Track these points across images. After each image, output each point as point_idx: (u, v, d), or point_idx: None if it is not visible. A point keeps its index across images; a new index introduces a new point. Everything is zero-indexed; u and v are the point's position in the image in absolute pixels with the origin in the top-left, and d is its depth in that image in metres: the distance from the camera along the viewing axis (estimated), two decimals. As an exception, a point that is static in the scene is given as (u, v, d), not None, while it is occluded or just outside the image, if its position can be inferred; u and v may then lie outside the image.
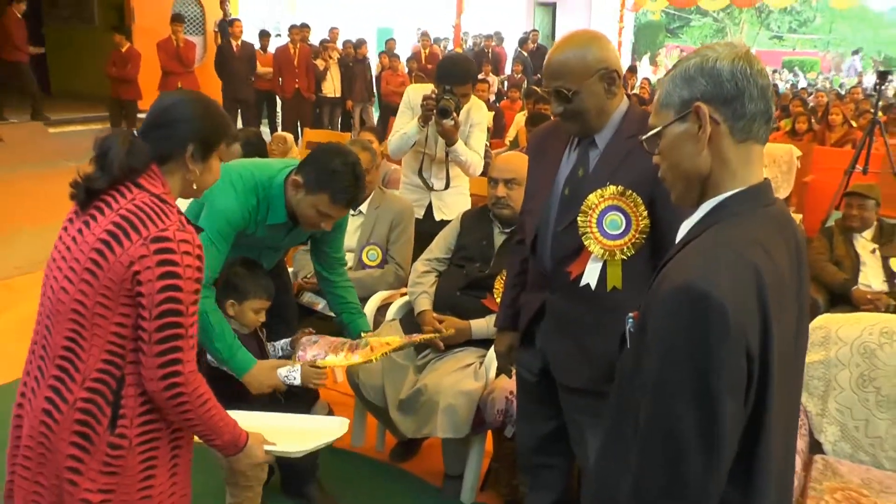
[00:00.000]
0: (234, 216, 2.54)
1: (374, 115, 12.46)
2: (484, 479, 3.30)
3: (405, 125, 3.99)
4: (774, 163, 6.35)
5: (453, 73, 3.84)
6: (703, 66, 1.40)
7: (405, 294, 3.71)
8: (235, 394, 2.64)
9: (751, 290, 1.28)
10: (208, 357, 2.66)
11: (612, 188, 2.21)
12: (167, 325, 1.70)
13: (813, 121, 9.63)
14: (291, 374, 2.66)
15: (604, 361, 2.29)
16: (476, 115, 4.05)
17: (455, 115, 3.77)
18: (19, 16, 10.36)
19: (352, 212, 3.74)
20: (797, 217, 5.20)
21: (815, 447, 2.90)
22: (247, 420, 2.09)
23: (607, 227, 2.22)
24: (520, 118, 8.99)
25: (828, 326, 2.96)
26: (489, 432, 3.18)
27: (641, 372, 1.37)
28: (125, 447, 1.74)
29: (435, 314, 3.25)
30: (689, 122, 1.41)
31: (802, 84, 22.33)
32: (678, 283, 1.28)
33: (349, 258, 3.77)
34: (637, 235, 2.21)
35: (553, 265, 2.33)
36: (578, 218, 2.24)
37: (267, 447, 2.03)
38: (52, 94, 13.98)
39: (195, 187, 1.91)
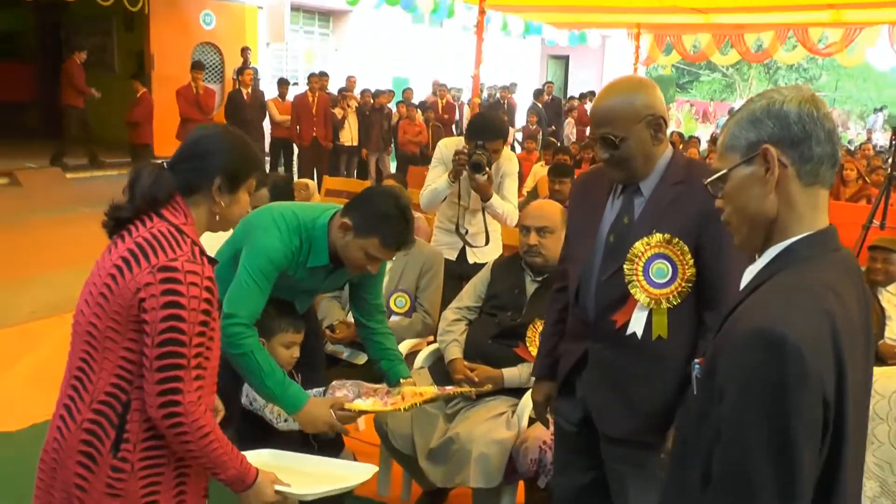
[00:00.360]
0: (277, 255, 2.53)
1: (391, 164, 12.54)
2: (514, 530, 3.23)
3: (436, 179, 4.03)
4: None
5: (485, 129, 3.89)
6: (770, 108, 1.40)
7: (432, 342, 3.69)
8: (268, 438, 2.61)
9: (826, 335, 1.26)
10: (242, 400, 2.63)
11: (658, 236, 2.19)
12: (168, 353, 1.71)
13: (827, 175, 9.65)
14: None
15: (648, 411, 2.28)
16: (507, 165, 4.09)
17: (488, 169, 3.80)
18: (80, 63, 10.86)
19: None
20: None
21: (856, 503, 2.84)
22: (272, 459, 2.06)
23: (653, 275, 2.20)
24: (537, 169, 9.05)
25: (865, 380, 2.91)
26: (520, 482, 3.13)
27: (709, 418, 1.35)
28: (127, 471, 1.75)
29: (466, 363, 3.22)
30: (756, 165, 1.40)
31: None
32: (753, 326, 1.26)
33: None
34: (683, 284, 2.19)
35: (597, 314, 2.31)
36: (625, 266, 2.22)
37: (279, 487, 2.00)
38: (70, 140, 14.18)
39: (218, 219, 1.92)
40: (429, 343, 3.72)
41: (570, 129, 15.03)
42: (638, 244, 2.21)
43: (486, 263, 4.14)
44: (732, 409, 1.26)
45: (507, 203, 4.05)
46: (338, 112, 11.55)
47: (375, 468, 2.37)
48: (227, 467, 1.85)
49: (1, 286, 6.47)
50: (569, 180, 5.58)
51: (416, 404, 2.66)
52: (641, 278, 2.21)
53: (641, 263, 2.21)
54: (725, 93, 32.90)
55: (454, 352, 3.28)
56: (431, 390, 2.78)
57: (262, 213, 2.62)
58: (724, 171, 1.45)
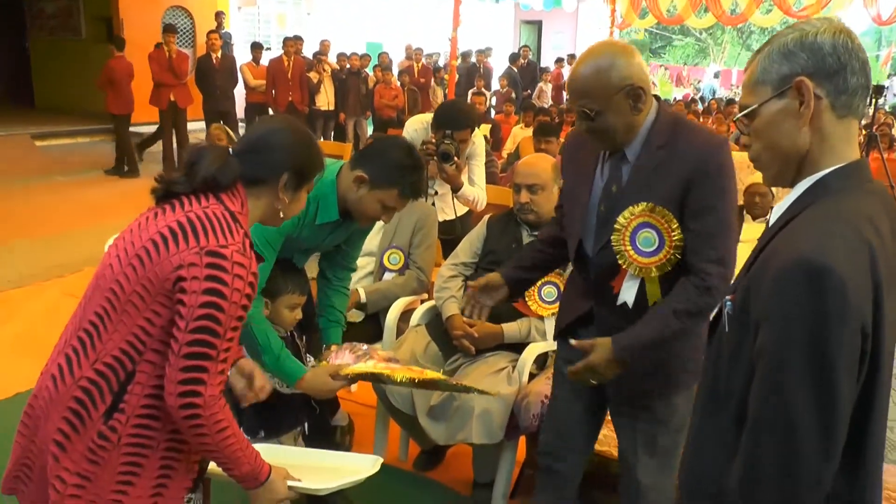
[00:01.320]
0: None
1: (369, 128, 12.41)
2: (514, 486, 3.21)
3: None
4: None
5: (453, 119, 3.83)
6: (804, 40, 1.36)
7: (427, 300, 3.64)
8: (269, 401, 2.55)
9: (865, 265, 1.25)
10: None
11: (642, 205, 2.15)
12: (199, 342, 1.64)
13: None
14: None
15: (655, 370, 2.28)
16: (473, 148, 4.05)
17: (456, 158, 3.77)
18: (120, 56, 10.24)
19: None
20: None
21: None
22: (274, 455, 2.01)
23: (641, 244, 2.17)
24: (517, 131, 9.02)
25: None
26: (522, 438, 3.12)
27: (742, 355, 1.35)
28: (112, 441, 1.68)
29: (465, 318, 3.17)
30: (789, 99, 1.37)
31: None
32: (794, 257, 1.24)
33: (370, 262, 3.70)
34: (671, 251, 2.15)
35: (596, 281, 2.30)
36: (612, 237, 2.19)
37: (291, 483, 1.95)
38: (37, 107, 13.86)
39: (282, 215, 1.92)
40: (423, 301, 3.67)
41: (537, 94, 14.95)
42: (621, 216, 2.17)
43: (454, 220, 4.15)
44: (771, 341, 1.25)
45: (476, 189, 4.04)
46: (313, 76, 11.37)
47: (381, 459, 2.31)
48: (241, 463, 1.78)
49: (-23, 255, 6.36)
50: (554, 139, 5.57)
51: (413, 379, 2.51)
52: (629, 248, 2.17)
53: (628, 234, 2.17)
54: (698, 57, 32.89)
55: (452, 308, 3.23)
56: (435, 374, 2.61)
57: None
58: (753, 107, 1.41)
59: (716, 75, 25.93)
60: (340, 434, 3.41)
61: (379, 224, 3.67)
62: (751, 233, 4.93)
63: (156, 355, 1.69)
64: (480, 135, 4.21)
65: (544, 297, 3.16)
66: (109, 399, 1.68)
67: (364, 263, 3.59)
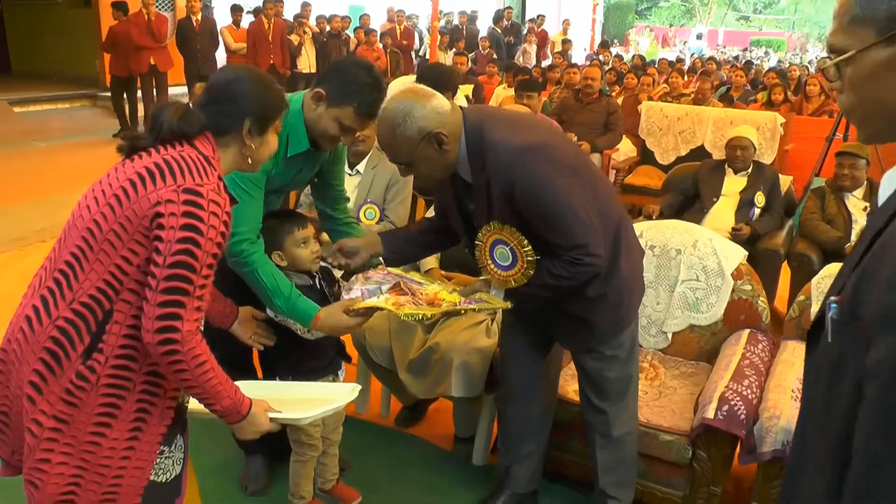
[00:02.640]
0: None
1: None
2: (495, 440, 3.23)
3: None
4: (759, 130, 6.34)
5: (435, 80, 3.77)
6: None
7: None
8: (296, 349, 2.57)
9: None
10: (268, 312, 2.53)
11: (493, 224, 2.23)
12: (176, 276, 1.66)
13: (788, 93, 9.70)
14: None
15: (597, 325, 2.44)
16: None
17: None
18: (121, 20, 10.22)
19: (349, 171, 3.66)
20: (787, 179, 5.19)
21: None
22: (255, 390, 2.02)
23: (498, 259, 2.27)
24: (500, 91, 8.97)
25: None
26: (501, 391, 3.13)
27: (846, 365, 1.11)
28: (91, 382, 1.69)
29: (443, 272, 3.18)
30: None
31: (773, 62, 22.58)
32: None
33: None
34: (524, 267, 2.24)
35: None
36: (476, 252, 2.29)
37: (272, 414, 1.97)
38: (13, 73, 13.66)
39: (251, 161, 1.96)
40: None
41: (521, 54, 14.86)
42: (480, 233, 2.27)
43: None
44: (890, 356, 0.99)
45: None
46: (294, 39, 11.25)
47: (359, 386, 2.31)
48: (221, 397, 1.80)
49: (-42, 220, 6.31)
50: (536, 95, 5.54)
51: (425, 315, 2.33)
52: (490, 263, 2.29)
53: (487, 249, 2.27)
54: (684, 18, 32.70)
55: (430, 262, 3.23)
56: (450, 297, 2.43)
57: None
58: (850, 53, 1.13)
59: (698, 37, 25.78)
60: (321, 391, 3.41)
61: (354, 181, 3.66)
62: (732, 186, 4.93)
63: (132, 295, 1.71)
64: (462, 96, 4.17)
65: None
66: (88, 339, 1.70)
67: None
